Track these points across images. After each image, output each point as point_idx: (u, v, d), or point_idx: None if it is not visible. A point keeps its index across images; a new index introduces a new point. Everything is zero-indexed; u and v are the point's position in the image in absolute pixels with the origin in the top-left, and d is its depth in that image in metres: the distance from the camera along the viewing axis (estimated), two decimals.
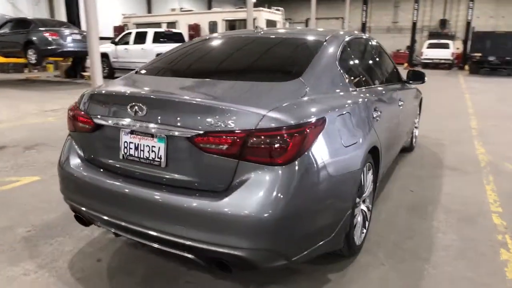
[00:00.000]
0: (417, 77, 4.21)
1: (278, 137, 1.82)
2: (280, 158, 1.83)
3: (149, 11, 26.41)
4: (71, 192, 2.39)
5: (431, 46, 24.28)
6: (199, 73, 2.74)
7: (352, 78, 2.79)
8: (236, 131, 1.84)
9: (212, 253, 1.91)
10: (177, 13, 18.60)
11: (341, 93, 2.49)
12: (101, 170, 2.29)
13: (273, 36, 3.12)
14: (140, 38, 13.66)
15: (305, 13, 31.48)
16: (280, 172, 1.85)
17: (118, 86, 2.52)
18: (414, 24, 25.82)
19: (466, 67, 24.71)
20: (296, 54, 2.71)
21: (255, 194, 1.83)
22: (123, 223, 2.14)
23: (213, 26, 17.44)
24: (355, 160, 2.28)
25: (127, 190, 2.09)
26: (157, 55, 10.70)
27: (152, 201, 2.00)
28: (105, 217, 2.21)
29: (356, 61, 3.08)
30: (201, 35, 17.58)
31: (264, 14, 16.57)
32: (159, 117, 2.01)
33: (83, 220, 2.43)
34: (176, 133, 1.97)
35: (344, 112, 2.30)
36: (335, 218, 2.17)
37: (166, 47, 10.21)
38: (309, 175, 1.93)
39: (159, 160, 2.05)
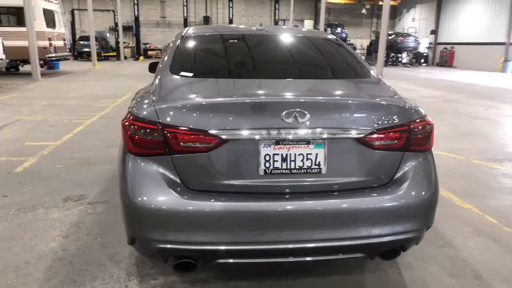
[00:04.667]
0: None
1: (428, 126, 2.07)
2: (430, 143, 2.10)
3: None
4: (178, 233, 1.84)
5: None
6: (281, 73, 2.52)
7: None
8: (402, 125, 1.97)
9: (390, 244, 1.99)
10: None
11: None
12: (226, 194, 1.88)
13: (294, 34, 3.07)
14: None
15: (69, 4, 28.24)
16: (430, 155, 2.11)
17: (224, 95, 2.13)
18: (186, 19, 27.37)
19: None
20: (337, 52, 2.83)
21: (424, 178, 2.04)
22: (270, 246, 1.88)
23: None
24: None
25: (286, 207, 1.85)
26: None
27: (326, 211, 1.87)
28: (243, 247, 1.88)
29: None
30: None
31: (41, 3, 14.04)
32: (322, 121, 1.87)
33: (189, 264, 1.92)
34: (342, 136, 1.90)
35: None
36: None
37: None
38: None
39: (317, 167, 1.91)
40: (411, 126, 2.00)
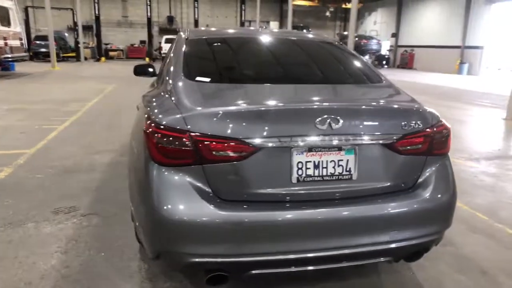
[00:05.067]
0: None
1: (445, 130, 2.12)
2: (447, 147, 2.15)
3: None
4: (212, 246, 1.77)
5: (168, 41, 26.11)
6: (301, 78, 2.54)
7: None
8: (425, 130, 2.01)
9: (417, 246, 2.02)
10: None
11: None
12: (259, 203, 1.83)
13: (303, 38, 3.11)
14: None
15: (22, 0, 26.72)
16: (447, 159, 2.17)
17: (252, 101, 2.07)
18: (149, 19, 26.74)
19: None
20: (349, 57, 2.84)
21: (444, 181, 2.09)
22: (305, 255, 1.86)
23: None
24: None
25: (320, 215, 1.83)
26: None
27: (359, 217, 1.87)
28: (277, 257, 1.83)
29: None
30: None
31: None
32: (354, 128, 1.87)
33: (220, 277, 1.86)
34: (373, 141, 1.91)
35: None
36: None
37: None
38: None
39: (348, 173, 1.91)
40: (434, 130, 2.04)
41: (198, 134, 1.76)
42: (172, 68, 2.41)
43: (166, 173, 1.81)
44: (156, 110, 1.98)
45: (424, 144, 2.01)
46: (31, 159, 4.74)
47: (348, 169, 1.90)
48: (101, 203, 3.51)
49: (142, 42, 29.84)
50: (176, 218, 1.75)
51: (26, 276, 2.41)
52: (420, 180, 2.05)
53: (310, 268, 1.94)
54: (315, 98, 2.16)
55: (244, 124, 1.80)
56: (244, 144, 1.76)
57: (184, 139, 1.76)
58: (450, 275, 2.54)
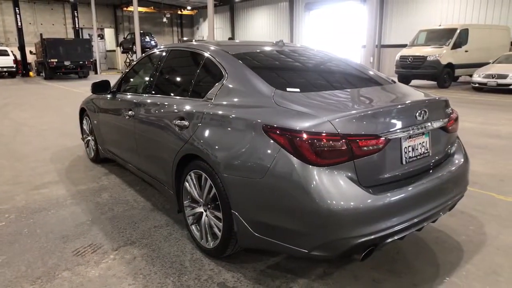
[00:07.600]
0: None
1: (457, 114, 2.95)
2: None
3: None
4: (371, 225, 2.10)
5: None
6: (359, 82, 3.02)
7: None
8: (452, 114, 2.78)
9: (460, 197, 2.78)
10: None
11: None
12: (388, 184, 2.27)
13: (316, 50, 3.57)
14: None
15: None
16: (457, 135, 3.01)
17: (370, 101, 2.56)
18: None
19: (32, 73, 24.48)
20: (352, 62, 3.41)
21: (463, 149, 2.91)
22: (416, 219, 2.36)
23: None
24: None
25: (425, 184, 2.37)
26: None
27: (442, 181, 2.49)
28: (406, 224, 2.27)
29: None
30: None
31: None
32: (431, 117, 2.48)
33: (368, 252, 2.23)
34: (437, 126, 2.56)
35: None
36: None
37: None
38: None
39: (427, 151, 2.52)
40: (455, 114, 2.84)
41: (348, 135, 2.09)
42: (249, 83, 2.57)
43: (324, 171, 2.06)
44: (290, 121, 2.16)
45: (454, 124, 2.79)
46: None
47: (427, 148, 2.52)
48: (118, 233, 3.22)
49: None
50: (345, 207, 2.03)
51: None
52: (452, 151, 2.83)
53: (417, 228, 2.44)
54: (399, 97, 2.70)
55: (377, 122, 2.21)
56: (381, 138, 2.18)
57: (341, 141, 2.06)
58: (448, 218, 3.43)
